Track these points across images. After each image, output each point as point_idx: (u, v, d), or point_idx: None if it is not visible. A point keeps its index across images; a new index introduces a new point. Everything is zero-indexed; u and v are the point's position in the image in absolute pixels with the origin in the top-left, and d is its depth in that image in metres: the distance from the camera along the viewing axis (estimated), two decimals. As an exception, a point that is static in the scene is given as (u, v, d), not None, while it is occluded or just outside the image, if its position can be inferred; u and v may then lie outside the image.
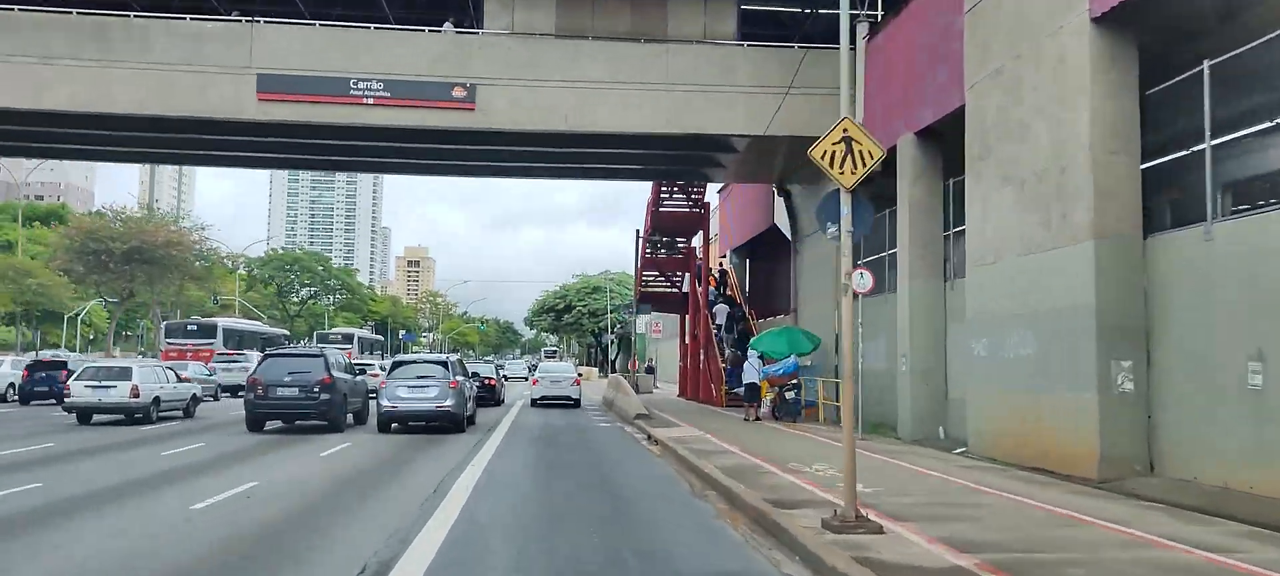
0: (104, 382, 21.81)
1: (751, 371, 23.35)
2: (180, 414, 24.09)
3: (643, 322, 53.26)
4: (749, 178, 30.63)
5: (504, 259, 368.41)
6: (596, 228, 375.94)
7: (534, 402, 32.85)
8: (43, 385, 30.14)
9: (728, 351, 31.91)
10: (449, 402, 19.48)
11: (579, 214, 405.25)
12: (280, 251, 79.15)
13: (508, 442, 18.07)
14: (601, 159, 27.65)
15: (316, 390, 19.56)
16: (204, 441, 17.89)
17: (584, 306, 76.85)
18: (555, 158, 27.01)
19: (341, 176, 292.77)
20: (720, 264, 40.27)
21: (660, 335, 53.42)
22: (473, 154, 26.26)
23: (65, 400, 22.51)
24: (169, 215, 69.98)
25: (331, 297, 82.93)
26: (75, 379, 22.40)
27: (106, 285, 55.16)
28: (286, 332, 62.56)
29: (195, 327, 47.46)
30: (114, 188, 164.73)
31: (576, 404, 32.81)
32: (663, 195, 34.19)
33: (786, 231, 28.50)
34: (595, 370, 76.69)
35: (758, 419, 22.91)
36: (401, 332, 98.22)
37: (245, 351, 43.91)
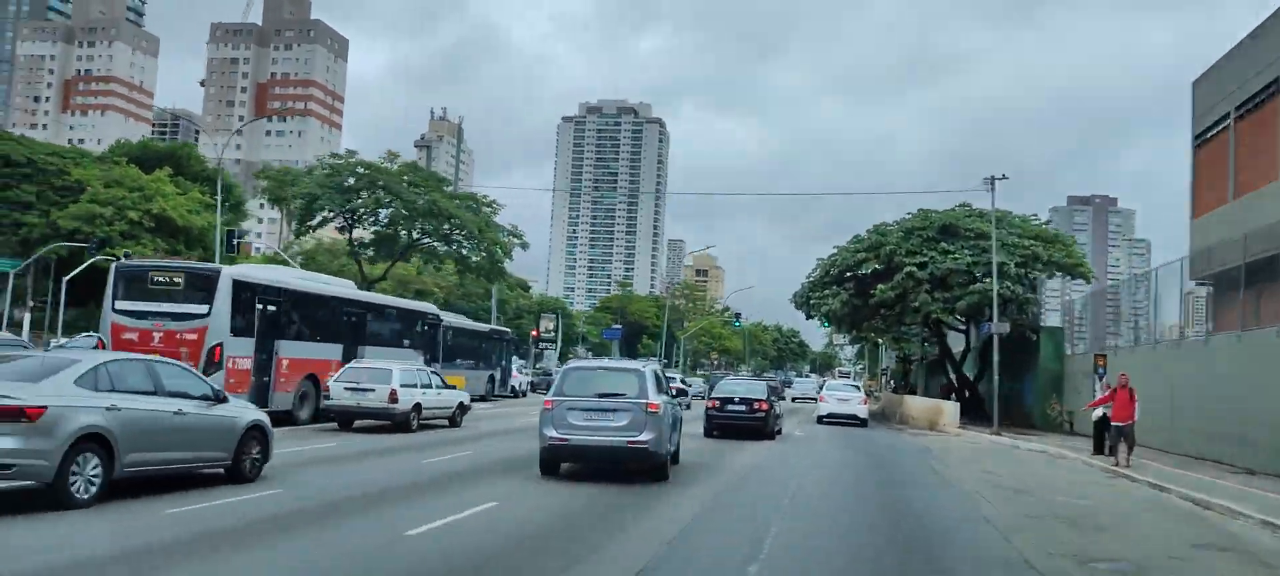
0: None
1: None
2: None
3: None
4: None
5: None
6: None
7: (820, 420, 32.26)
8: None
9: None
10: (646, 435, 13.33)
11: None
12: (345, 158, 44.38)
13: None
14: None
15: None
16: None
17: (919, 265, 34.51)
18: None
19: (623, 176, 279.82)
20: None
21: None
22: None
23: None
24: None
25: (452, 246, 45.69)
26: None
27: None
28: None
29: (178, 285, 19.03)
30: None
31: (863, 422, 31.80)
32: None
33: None
34: (946, 406, 34.20)
35: None
36: (605, 330, 62.24)
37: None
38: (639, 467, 13.68)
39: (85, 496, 9.36)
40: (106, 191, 58.70)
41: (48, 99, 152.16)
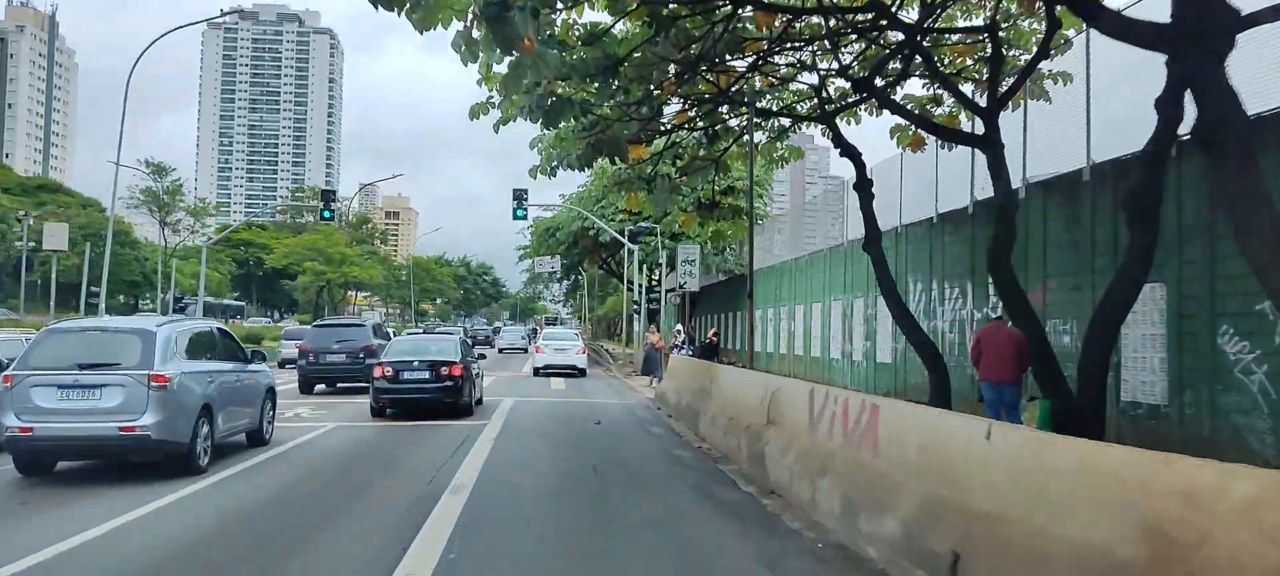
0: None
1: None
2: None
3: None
4: None
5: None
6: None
7: (537, 371, 31.49)
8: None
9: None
10: (148, 417, 9.92)
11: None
12: None
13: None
14: None
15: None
16: None
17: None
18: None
19: (288, 96, 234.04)
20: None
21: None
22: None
23: None
24: None
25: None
26: None
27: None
28: None
29: None
30: None
31: (582, 372, 31.57)
32: None
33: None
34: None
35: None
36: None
37: None
38: (143, 460, 10.41)
39: None
40: None
41: None
